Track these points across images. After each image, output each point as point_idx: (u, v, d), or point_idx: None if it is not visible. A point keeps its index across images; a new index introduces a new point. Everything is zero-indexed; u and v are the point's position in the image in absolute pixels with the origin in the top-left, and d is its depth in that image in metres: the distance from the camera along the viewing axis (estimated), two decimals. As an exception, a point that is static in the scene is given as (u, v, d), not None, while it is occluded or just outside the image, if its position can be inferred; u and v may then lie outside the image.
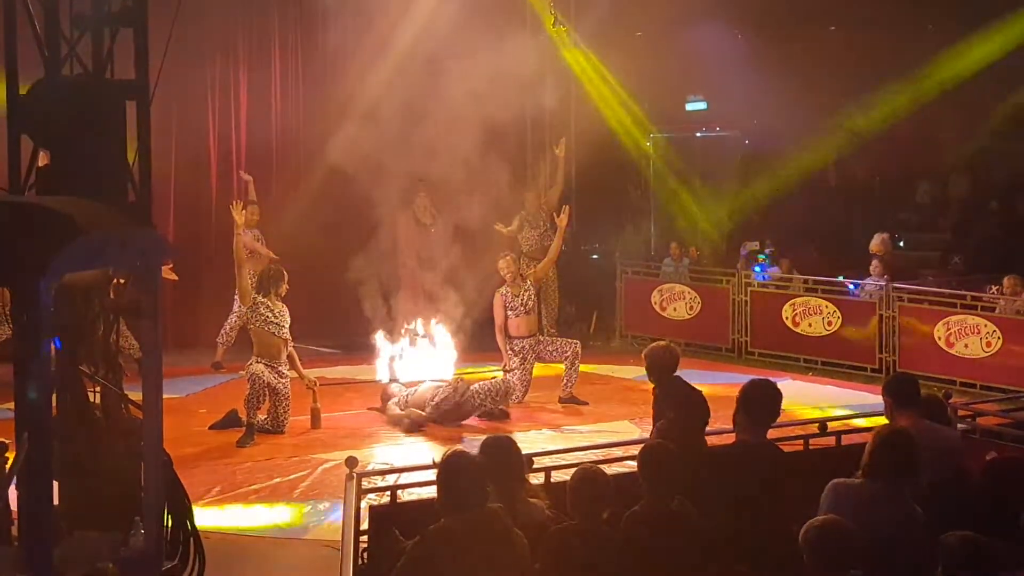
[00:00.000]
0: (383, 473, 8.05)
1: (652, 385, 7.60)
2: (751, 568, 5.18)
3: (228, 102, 14.92)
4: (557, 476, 6.27)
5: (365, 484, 6.11)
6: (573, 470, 5.42)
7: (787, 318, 13.89)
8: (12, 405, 4.98)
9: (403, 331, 12.87)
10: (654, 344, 7.80)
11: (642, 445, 5.67)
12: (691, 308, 14.82)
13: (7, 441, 5.55)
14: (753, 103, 16.33)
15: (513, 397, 11.33)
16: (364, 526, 5.85)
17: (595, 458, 6.79)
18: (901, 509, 5.10)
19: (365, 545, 5.78)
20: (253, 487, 9.00)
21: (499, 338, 11.78)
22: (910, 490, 5.20)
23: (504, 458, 5.48)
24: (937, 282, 13.91)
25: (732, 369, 13.31)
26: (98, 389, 5.81)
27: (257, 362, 10.45)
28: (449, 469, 5.04)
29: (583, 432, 10.62)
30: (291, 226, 14.13)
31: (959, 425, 7.14)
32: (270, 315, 10.57)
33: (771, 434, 6.08)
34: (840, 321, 13.46)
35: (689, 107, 18.31)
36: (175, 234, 14.04)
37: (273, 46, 15.14)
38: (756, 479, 5.54)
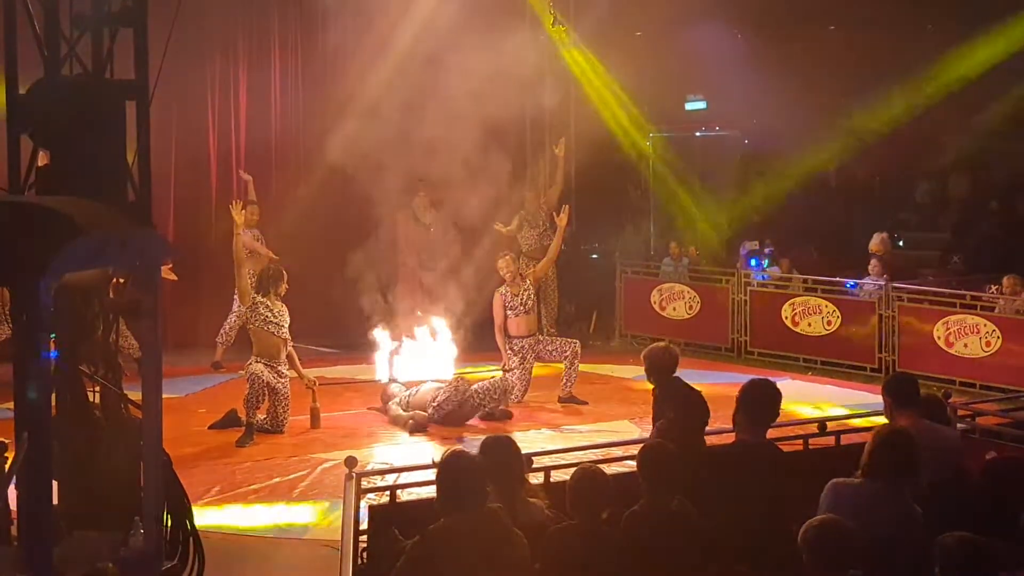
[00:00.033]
0: (382, 473, 8.06)
1: (652, 385, 7.60)
2: (751, 568, 5.19)
3: (228, 102, 14.92)
4: (557, 476, 6.27)
5: (364, 484, 6.11)
6: (573, 470, 5.43)
7: (787, 318, 13.89)
8: (12, 405, 4.98)
9: (403, 331, 12.88)
10: (653, 345, 7.81)
11: (642, 445, 5.67)
12: (690, 308, 14.82)
13: (7, 441, 5.54)
14: (753, 103, 16.34)
15: (512, 396, 11.33)
16: (364, 526, 5.85)
17: (595, 458, 6.79)
18: (901, 509, 5.11)
19: (364, 545, 5.78)
20: (252, 487, 9.00)
21: (498, 338, 11.78)
22: (910, 490, 5.20)
23: (504, 458, 5.48)
24: (937, 282, 13.92)
25: (731, 369, 13.31)
26: (98, 389, 5.81)
27: (256, 362, 10.45)
28: (449, 469, 5.04)
29: (583, 432, 10.62)
30: (291, 226, 14.13)
31: (959, 425, 7.15)
32: (269, 315, 10.57)
33: (771, 434, 6.08)
34: (840, 321, 13.46)
35: (688, 107, 18.32)
36: (175, 234, 14.04)
37: (273, 46, 15.14)
38: (756, 479, 5.54)
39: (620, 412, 11.25)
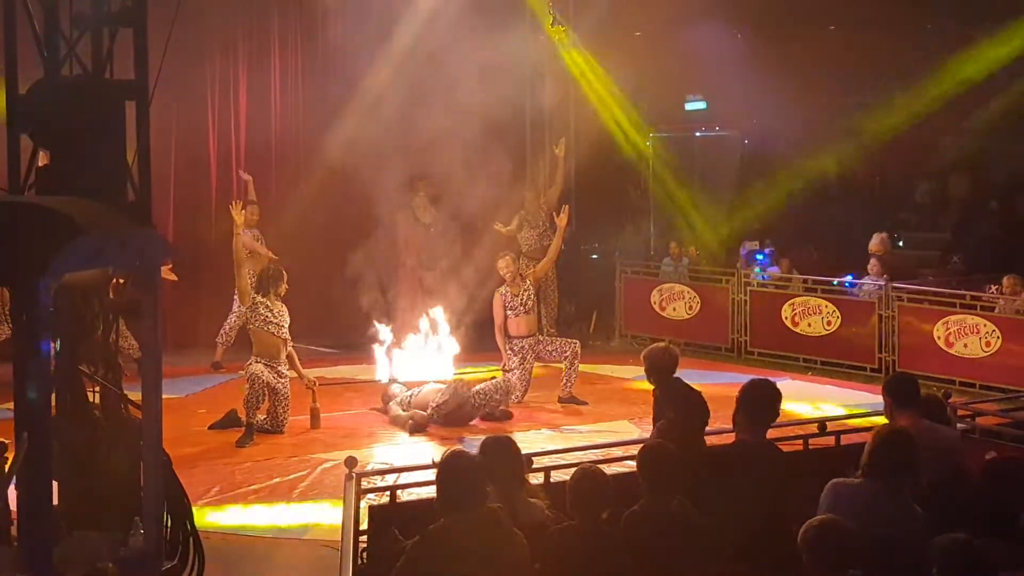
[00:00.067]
0: (383, 473, 8.07)
1: (652, 386, 7.60)
2: (751, 568, 5.19)
3: (228, 102, 14.92)
4: (557, 476, 6.28)
5: (364, 484, 6.11)
6: (573, 470, 5.43)
7: (786, 318, 13.89)
8: (12, 405, 4.98)
9: (403, 331, 12.89)
10: (653, 345, 7.81)
11: (642, 445, 5.67)
12: (690, 308, 14.82)
13: (7, 441, 5.55)
14: (752, 103, 16.34)
15: (513, 397, 11.33)
16: (364, 526, 5.85)
17: (595, 458, 6.79)
18: (900, 509, 5.11)
19: (364, 545, 5.78)
20: (252, 487, 9.00)
21: (498, 338, 11.78)
22: (909, 490, 5.20)
23: (504, 458, 5.48)
24: (937, 282, 13.91)
25: (731, 369, 13.31)
26: (97, 389, 5.81)
27: (256, 362, 10.45)
28: (449, 469, 5.04)
29: (583, 432, 10.62)
30: (291, 226, 14.14)
31: (958, 425, 7.15)
32: (269, 315, 10.57)
33: (771, 434, 6.09)
34: (839, 321, 13.46)
35: (688, 107, 18.31)
36: (175, 234, 14.03)
37: (273, 46, 15.14)
38: (756, 479, 5.54)
39: (620, 412, 11.25)
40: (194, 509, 6.14)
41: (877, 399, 6.65)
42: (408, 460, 9.18)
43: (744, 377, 6.94)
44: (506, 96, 14.57)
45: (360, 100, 14.01)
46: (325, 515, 8.23)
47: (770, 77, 15.28)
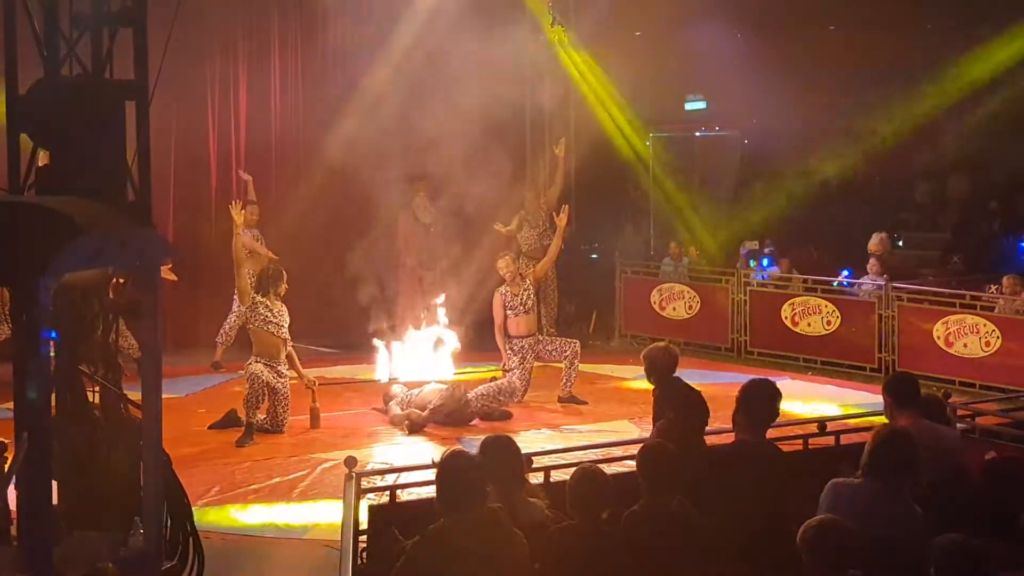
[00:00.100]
0: (382, 473, 8.07)
1: (652, 385, 7.60)
2: (751, 568, 5.19)
3: (228, 102, 14.91)
4: (557, 476, 6.28)
5: (364, 484, 6.11)
6: (573, 470, 5.43)
7: (786, 318, 13.89)
8: (12, 405, 4.98)
9: (403, 331, 12.90)
10: (653, 345, 7.81)
11: (642, 445, 5.67)
12: (690, 308, 14.82)
13: (6, 441, 5.55)
14: (752, 103, 16.34)
15: (514, 397, 11.33)
16: (363, 526, 5.85)
17: (595, 458, 6.80)
18: (900, 509, 5.11)
19: (364, 545, 5.78)
20: (252, 487, 9.00)
21: (498, 337, 11.78)
22: (909, 490, 5.20)
23: (504, 458, 5.48)
24: (936, 281, 13.91)
25: (731, 369, 13.31)
26: (97, 389, 5.81)
27: (256, 362, 10.45)
28: (448, 469, 5.04)
29: (582, 432, 10.62)
30: (290, 225, 14.14)
31: (958, 425, 7.14)
32: (269, 315, 10.57)
33: (771, 434, 6.09)
34: (839, 321, 13.46)
35: (688, 107, 18.31)
36: (175, 234, 14.03)
37: (273, 46, 15.13)
38: (755, 479, 5.54)
39: (620, 412, 11.25)
40: (194, 509, 6.15)
41: (877, 399, 6.65)
42: (408, 460, 9.18)
43: (744, 377, 6.93)
44: (506, 96, 14.57)
45: (360, 100, 14.01)
46: (325, 515, 8.23)
47: (770, 77, 15.28)
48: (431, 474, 5.33)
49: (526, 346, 11.68)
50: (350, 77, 14.41)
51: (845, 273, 14.44)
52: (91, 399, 5.80)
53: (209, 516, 8.09)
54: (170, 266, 12.03)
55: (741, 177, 18.40)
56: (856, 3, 16.29)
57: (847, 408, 11.00)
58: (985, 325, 12.20)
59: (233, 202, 11.45)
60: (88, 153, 5.47)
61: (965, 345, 12.30)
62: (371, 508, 5.98)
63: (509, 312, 11.72)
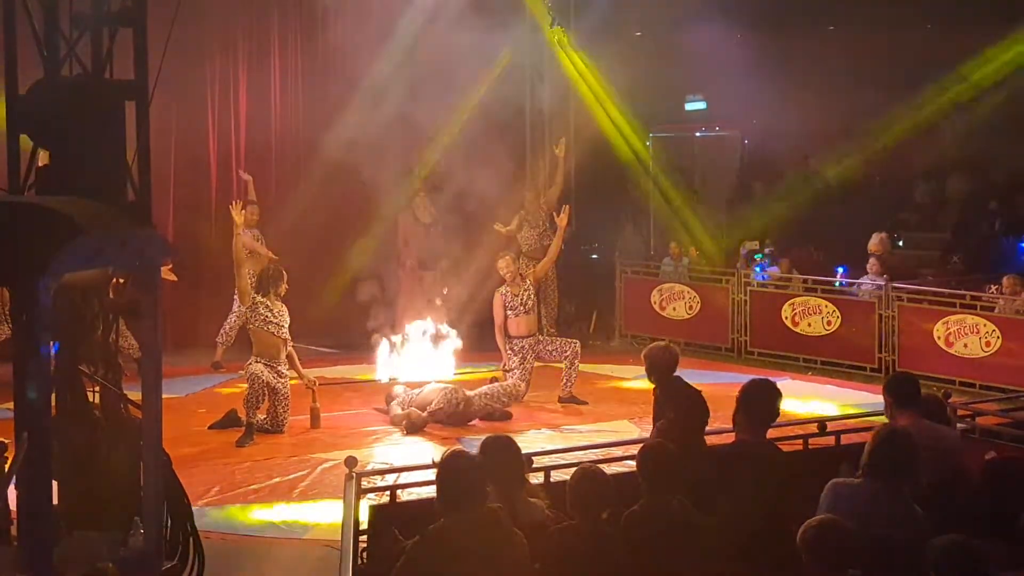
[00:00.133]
0: (383, 473, 8.07)
1: (652, 385, 7.60)
2: (751, 568, 5.19)
3: (228, 102, 14.91)
4: (557, 476, 6.28)
5: (365, 484, 6.11)
6: (573, 470, 5.43)
7: (786, 318, 13.89)
8: (12, 405, 4.98)
9: (404, 331, 12.91)
10: (653, 344, 7.80)
11: (642, 445, 5.67)
12: (690, 308, 14.82)
13: (7, 441, 5.55)
14: (752, 103, 16.33)
15: (517, 399, 11.33)
16: (364, 526, 5.85)
17: (595, 458, 6.80)
18: (900, 509, 5.11)
19: (364, 545, 5.78)
20: (252, 487, 9.00)
21: (499, 338, 11.77)
22: (909, 490, 5.20)
23: (504, 458, 5.48)
24: (936, 281, 13.90)
25: (731, 369, 13.30)
26: (97, 389, 5.81)
27: (256, 362, 10.45)
28: (449, 469, 5.04)
29: (583, 432, 10.61)
30: (290, 225, 14.14)
31: (958, 425, 7.14)
32: (269, 315, 10.57)
33: (771, 434, 6.08)
34: (839, 321, 13.46)
35: (688, 107, 18.31)
36: (175, 234, 14.03)
37: (273, 46, 15.13)
38: (755, 479, 5.54)
39: (620, 412, 11.25)
40: (194, 509, 6.15)
41: (877, 399, 6.65)
42: (408, 460, 9.18)
43: (744, 377, 6.94)
44: (506, 96, 14.60)
45: (360, 100, 14.01)
46: (325, 515, 8.23)
47: (770, 77, 15.28)
48: (431, 474, 5.32)
49: (526, 346, 11.68)
50: (350, 77, 14.40)
51: (841, 271, 14.44)
52: (91, 399, 5.80)
53: (209, 516, 8.08)
54: (170, 266, 12.03)
55: (741, 177, 18.40)
56: (856, 3, 16.29)
57: (846, 408, 11.00)
58: (985, 325, 12.19)
59: (233, 202, 11.45)
60: (88, 153, 5.48)
61: (965, 345, 12.29)
62: (371, 508, 5.98)
63: (509, 312, 11.72)
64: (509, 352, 11.69)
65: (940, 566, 4.36)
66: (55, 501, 5.05)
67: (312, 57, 15.18)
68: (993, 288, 12.79)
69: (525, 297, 11.75)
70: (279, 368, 10.56)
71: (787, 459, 6.09)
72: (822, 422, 7.42)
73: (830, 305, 13.62)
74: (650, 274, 15.75)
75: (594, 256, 16.87)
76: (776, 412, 5.98)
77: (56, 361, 5.37)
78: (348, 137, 13.37)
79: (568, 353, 11.74)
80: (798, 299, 13.94)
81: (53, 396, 5.02)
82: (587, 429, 10.72)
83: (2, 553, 5.21)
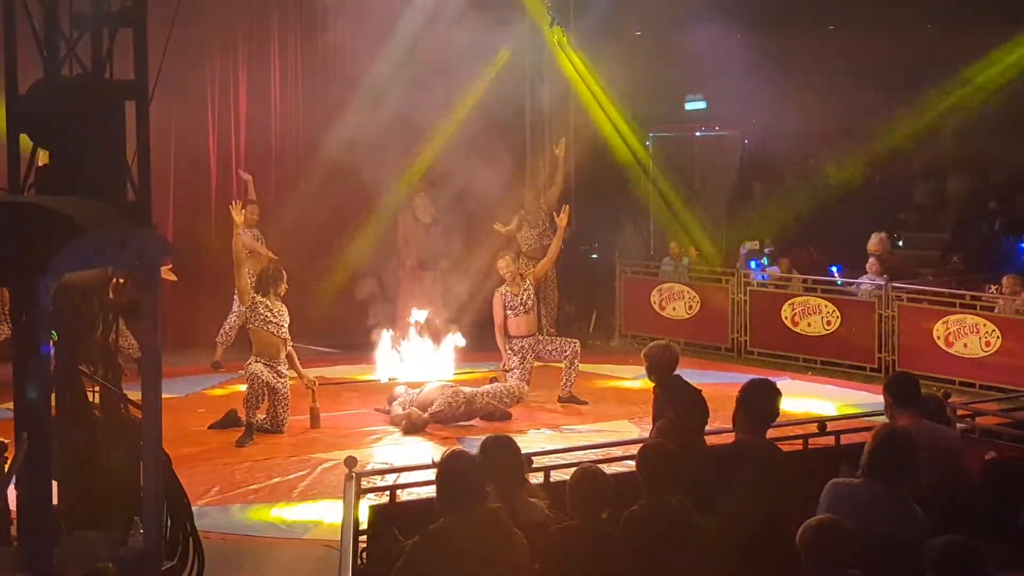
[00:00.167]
0: (382, 473, 8.08)
1: (652, 384, 7.60)
2: (751, 568, 5.19)
3: (227, 102, 14.91)
4: (557, 476, 6.28)
5: (364, 484, 6.11)
6: (573, 470, 5.43)
7: (786, 318, 13.89)
8: (12, 405, 4.99)
9: (404, 331, 12.91)
10: (653, 343, 7.80)
11: (642, 445, 5.67)
12: (690, 307, 14.81)
13: (7, 441, 5.55)
14: (752, 103, 16.33)
15: (520, 400, 11.32)
16: (363, 526, 5.85)
17: (595, 458, 6.80)
18: (900, 509, 5.11)
19: (364, 545, 5.78)
20: (252, 487, 9.00)
21: (498, 337, 11.77)
22: (909, 490, 5.20)
23: (504, 458, 5.48)
24: (936, 281, 13.91)
25: (731, 368, 13.30)
26: (97, 389, 5.81)
27: (256, 362, 10.45)
28: (448, 469, 5.04)
29: (582, 432, 10.62)
30: (290, 225, 14.14)
31: (958, 425, 7.14)
32: (269, 315, 10.57)
33: (771, 434, 6.08)
34: (839, 321, 13.46)
35: (688, 106, 18.31)
36: (175, 234, 14.03)
37: (273, 46, 15.13)
38: (755, 479, 5.54)
39: (620, 412, 11.25)
40: (194, 509, 6.15)
41: (877, 399, 6.66)
42: (408, 460, 9.18)
43: (744, 377, 6.93)
44: (506, 96, 14.60)
45: (360, 99, 14.01)
46: (325, 515, 8.23)
47: (770, 77, 15.27)
48: (431, 474, 5.32)
49: (526, 346, 11.68)
50: (350, 77, 14.41)
51: (835, 270, 14.43)
52: (91, 399, 5.80)
53: (209, 516, 8.08)
54: (170, 266, 12.03)
55: (741, 177, 18.40)
56: (856, 3, 16.28)
57: (845, 408, 10.99)
58: (985, 325, 12.19)
59: (233, 202, 11.45)
60: (88, 153, 5.48)
61: (965, 345, 12.30)
62: (371, 508, 5.98)
63: (509, 312, 11.72)
64: (509, 352, 11.69)
65: (938, 566, 4.35)
66: (55, 501, 5.05)
67: (312, 57, 15.18)
68: (993, 288, 12.79)
69: (525, 297, 11.75)
70: (279, 368, 10.56)
71: (787, 459, 6.09)
72: (822, 422, 7.42)
73: (830, 305, 13.62)
74: (650, 274, 15.75)
75: (594, 256, 16.87)
76: (776, 412, 5.98)
77: (56, 361, 5.38)
78: (348, 137, 13.37)
79: (568, 353, 11.74)
80: (798, 299, 13.94)
81: (53, 396, 5.02)
82: (587, 429, 10.72)
83: (2, 553, 5.22)
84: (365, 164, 13.48)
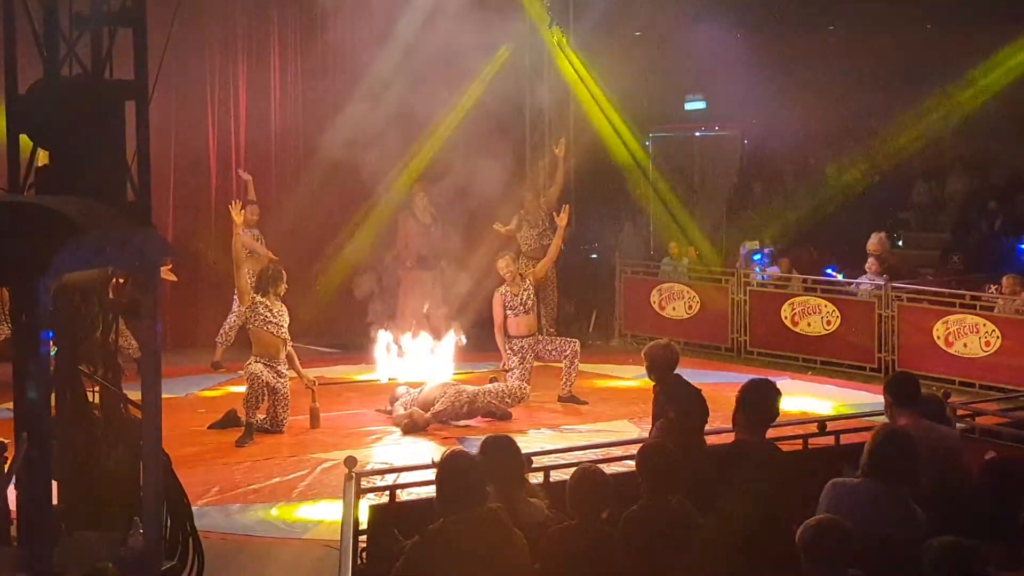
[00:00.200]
0: (382, 473, 8.07)
1: (652, 384, 7.60)
2: (750, 568, 5.18)
3: (227, 101, 14.91)
4: (556, 476, 6.28)
5: (364, 484, 6.11)
6: (573, 470, 5.43)
7: (786, 317, 13.88)
8: (12, 405, 4.98)
9: (404, 331, 12.91)
10: (654, 342, 7.79)
11: (641, 445, 5.67)
12: (690, 307, 14.81)
13: (7, 441, 5.55)
14: (752, 103, 16.34)
15: (521, 401, 11.33)
16: (363, 526, 5.85)
17: (594, 457, 6.80)
18: (900, 509, 5.11)
19: (364, 545, 5.78)
20: (252, 487, 9.00)
21: (498, 337, 11.77)
22: (909, 490, 5.20)
23: (504, 458, 5.48)
24: (936, 281, 13.91)
25: (731, 368, 13.30)
26: (97, 389, 5.81)
27: (256, 362, 10.44)
28: (448, 469, 5.04)
29: (582, 431, 10.61)
30: (290, 225, 14.14)
31: (958, 425, 7.14)
32: (269, 315, 10.57)
33: (771, 434, 6.08)
34: (839, 320, 13.46)
35: (688, 107, 18.32)
36: (174, 234, 14.04)
37: (272, 45, 15.13)
38: (755, 479, 5.54)
39: (620, 412, 11.24)
40: (194, 509, 6.15)
41: (877, 399, 6.65)
42: (408, 460, 9.18)
43: (744, 377, 6.93)
44: (505, 96, 14.59)
45: (359, 99, 14.01)
46: (325, 515, 8.23)
47: (770, 77, 15.30)
48: (431, 474, 5.32)
49: (526, 346, 11.68)
50: (350, 76, 14.41)
51: (829, 271, 14.43)
52: (91, 399, 5.80)
53: (209, 516, 8.07)
54: (170, 266, 12.03)
55: (741, 177, 18.41)
56: (856, 3, 16.29)
57: (846, 408, 10.98)
58: (985, 325, 12.19)
59: (233, 202, 11.45)
60: (88, 153, 5.48)
61: (965, 345, 12.30)
62: (371, 508, 5.98)
63: (509, 312, 11.72)
64: (508, 352, 11.68)
65: (937, 566, 4.36)
66: (55, 501, 5.05)
67: (312, 56, 15.19)
68: (993, 288, 12.79)
69: (525, 297, 11.74)
70: (279, 368, 10.56)
71: (787, 459, 6.09)
72: (822, 422, 7.42)
73: (830, 305, 13.62)
74: (650, 274, 15.75)
75: (594, 256, 16.87)
76: (776, 412, 5.98)
77: (56, 361, 5.38)
78: (347, 136, 13.37)
79: (568, 352, 11.74)
80: (798, 299, 13.94)
81: (53, 396, 5.02)
82: (587, 429, 10.72)
83: (2, 553, 5.22)
84: (365, 163, 13.48)
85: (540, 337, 12.04)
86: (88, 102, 5.53)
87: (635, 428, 10.28)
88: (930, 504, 5.24)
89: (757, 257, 15.25)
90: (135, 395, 5.69)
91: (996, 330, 12.10)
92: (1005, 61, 15.38)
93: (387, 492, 6.14)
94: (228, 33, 14.78)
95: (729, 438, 6.13)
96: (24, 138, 5.61)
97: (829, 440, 7.15)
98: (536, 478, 6.17)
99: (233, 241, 10.94)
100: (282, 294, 10.73)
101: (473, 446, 6.20)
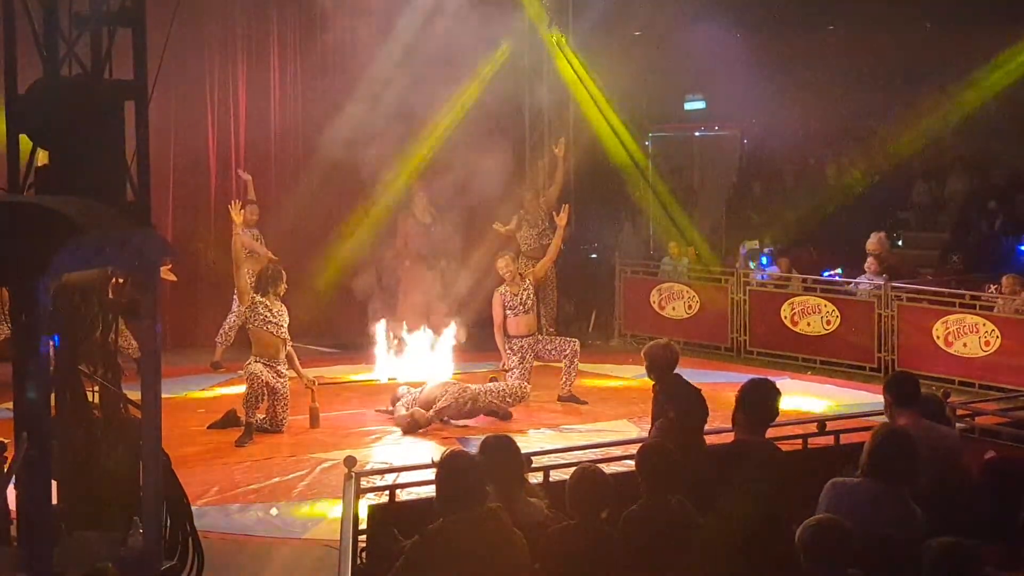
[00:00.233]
0: (382, 472, 8.07)
1: (652, 384, 7.60)
2: (750, 568, 5.18)
3: (227, 101, 14.90)
4: (556, 475, 6.28)
5: (364, 484, 6.11)
6: (572, 470, 5.43)
7: (786, 317, 13.88)
8: (12, 405, 4.98)
9: (404, 330, 12.91)
10: (653, 342, 7.79)
11: (641, 445, 5.67)
12: (690, 307, 14.81)
13: (6, 441, 5.55)
14: (752, 103, 16.34)
15: (522, 401, 11.33)
16: (363, 526, 5.85)
17: (594, 457, 6.80)
18: (900, 509, 5.11)
19: (363, 545, 5.78)
20: (252, 487, 9.00)
21: (498, 337, 11.77)
22: (909, 489, 5.20)
23: (503, 458, 5.48)
24: (936, 281, 13.91)
25: (731, 368, 13.30)
26: (97, 389, 5.81)
27: (256, 361, 10.44)
28: (448, 469, 5.04)
29: (582, 431, 10.61)
30: (290, 225, 14.14)
31: (958, 424, 7.14)
32: (269, 315, 10.57)
33: (770, 433, 6.09)
34: (839, 320, 13.46)
35: (687, 106, 18.32)
36: (174, 234, 14.03)
37: (272, 45, 15.13)
38: (755, 478, 5.54)
39: (620, 412, 11.24)
40: (194, 509, 6.15)
41: (877, 399, 6.65)
42: (407, 460, 9.18)
43: (744, 376, 6.93)
44: (504, 95, 14.60)
45: (359, 99, 14.01)
46: (324, 515, 8.23)
47: (770, 77, 15.30)
48: (431, 474, 5.32)
49: (525, 346, 11.68)
50: (349, 76, 14.41)
51: (826, 274, 14.42)
52: (91, 399, 5.80)
53: (209, 516, 8.07)
54: (169, 266, 12.03)
55: (740, 177, 18.41)
56: (856, 3, 16.30)
57: (846, 407, 10.97)
58: (984, 325, 12.20)
59: (232, 202, 11.45)
60: (87, 153, 5.48)
61: (965, 345, 12.30)
62: (370, 508, 5.98)
63: (509, 312, 11.72)
64: (508, 351, 11.68)
65: (936, 567, 4.36)
66: (55, 501, 5.06)
67: (312, 56, 15.19)
68: (992, 288, 12.79)
69: (524, 297, 11.74)
70: (278, 368, 10.56)
71: (787, 459, 6.10)
72: (822, 422, 7.42)
73: (829, 304, 13.62)
74: (649, 274, 15.74)
75: (593, 256, 16.87)
76: (775, 411, 5.99)
77: (56, 361, 5.38)
78: (347, 136, 13.37)
79: (567, 352, 11.74)
80: (797, 299, 13.94)
81: (53, 396, 5.02)
82: (586, 429, 10.72)
83: (2, 553, 5.22)
84: (364, 163, 13.48)
85: (540, 337, 12.04)
86: (88, 102, 5.53)
87: (635, 428, 10.28)
88: (930, 504, 5.24)
89: (764, 261, 15.25)
90: (135, 395, 5.69)
91: (996, 330, 12.11)
92: (1006, 63, 15.38)
93: (387, 492, 6.14)
94: (227, 33, 14.78)
95: (729, 438, 6.13)
96: (24, 138, 5.61)
97: (829, 440, 7.16)
98: (536, 478, 6.17)
99: (233, 241, 10.94)
100: (282, 294, 10.73)
101: (473, 446, 6.20)
